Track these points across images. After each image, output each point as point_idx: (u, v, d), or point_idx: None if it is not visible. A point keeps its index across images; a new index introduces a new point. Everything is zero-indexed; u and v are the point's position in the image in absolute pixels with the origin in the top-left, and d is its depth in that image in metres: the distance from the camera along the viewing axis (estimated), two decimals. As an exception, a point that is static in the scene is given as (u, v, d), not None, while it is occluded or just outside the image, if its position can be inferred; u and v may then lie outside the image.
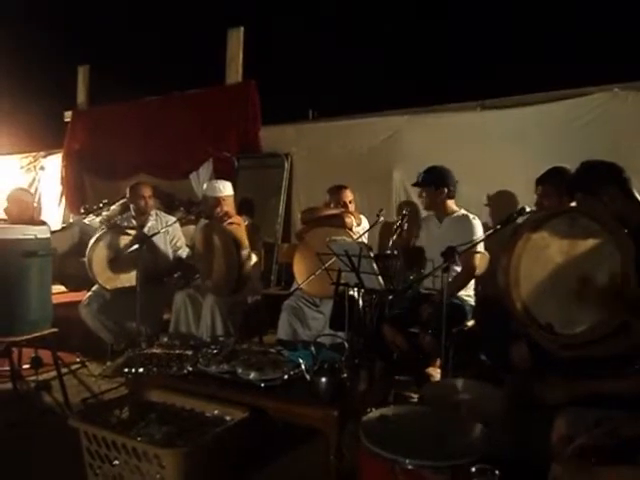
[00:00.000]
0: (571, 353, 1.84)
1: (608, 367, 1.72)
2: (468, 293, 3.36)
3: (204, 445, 2.14)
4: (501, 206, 3.83)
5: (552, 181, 2.86)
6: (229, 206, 3.86)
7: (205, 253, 3.74)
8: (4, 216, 4.09)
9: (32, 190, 6.53)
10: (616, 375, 1.65)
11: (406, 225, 3.44)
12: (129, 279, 3.83)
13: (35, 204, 4.14)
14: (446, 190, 3.38)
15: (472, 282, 3.38)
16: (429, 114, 4.45)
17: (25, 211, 3.97)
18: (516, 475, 1.54)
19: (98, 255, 3.84)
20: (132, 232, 3.98)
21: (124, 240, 3.93)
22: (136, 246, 3.51)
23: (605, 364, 1.74)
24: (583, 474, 1.32)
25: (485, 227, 3.68)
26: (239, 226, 3.70)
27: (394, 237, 3.41)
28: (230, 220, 3.74)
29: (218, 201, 3.80)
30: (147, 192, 4.12)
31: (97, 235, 3.92)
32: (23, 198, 4.06)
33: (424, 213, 3.73)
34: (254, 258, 3.78)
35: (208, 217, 3.88)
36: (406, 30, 8.79)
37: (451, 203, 3.44)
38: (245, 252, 3.56)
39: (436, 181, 3.38)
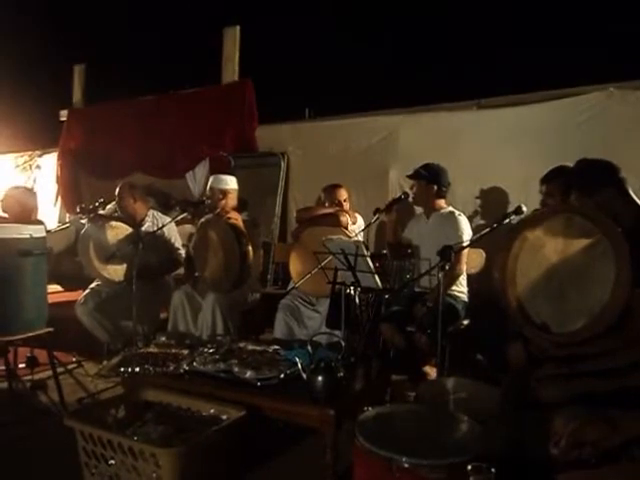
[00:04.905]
0: (566, 352, 1.85)
1: (604, 365, 1.72)
2: (460, 289, 3.38)
3: (200, 444, 2.14)
4: (492, 202, 3.85)
5: (556, 180, 2.86)
6: (233, 200, 3.91)
7: (204, 249, 3.74)
8: (3, 214, 4.10)
9: (28, 189, 6.51)
10: (612, 373, 1.66)
11: (395, 214, 3.48)
12: (117, 272, 3.90)
13: (36, 204, 4.16)
14: (436, 187, 3.40)
15: (464, 278, 3.40)
16: (425, 113, 4.45)
17: (25, 210, 3.98)
18: (512, 473, 1.54)
19: (91, 246, 3.88)
20: (119, 223, 3.99)
21: (112, 228, 3.94)
22: (131, 246, 3.50)
23: (600, 362, 1.74)
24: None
25: (480, 227, 3.71)
26: (237, 221, 3.71)
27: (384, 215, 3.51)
28: (228, 215, 3.75)
29: (225, 193, 3.84)
30: (128, 198, 4.10)
31: (85, 229, 3.95)
32: (23, 198, 4.07)
33: (419, 210, 3.74)
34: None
35: (210, 210, 3.88)
36: (402, 29, 8.80)
37: (440, 201, 3.46)
38: (246, 246, 3.55)
39: (428, 177, 3.40)
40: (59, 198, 6.52)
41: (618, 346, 1.74)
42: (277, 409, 2.36)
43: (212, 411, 2.38)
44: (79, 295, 4.00)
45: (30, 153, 7.14)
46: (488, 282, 2.25)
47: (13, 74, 8.52)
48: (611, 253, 1.78)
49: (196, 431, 2.23)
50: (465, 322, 3.29)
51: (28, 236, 3.03)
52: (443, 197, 3.46)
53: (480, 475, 1.43)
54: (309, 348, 2.47)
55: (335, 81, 8.41)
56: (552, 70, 6.46)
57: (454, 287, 3.32)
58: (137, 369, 2.67)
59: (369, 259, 2.83)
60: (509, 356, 2.32)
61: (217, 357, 2.69)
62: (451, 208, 3.45)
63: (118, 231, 3.95)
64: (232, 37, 5.43)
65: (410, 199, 3.56)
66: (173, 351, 2.89)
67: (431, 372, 3.16)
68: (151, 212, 4.24)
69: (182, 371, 2.62)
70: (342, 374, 2.32)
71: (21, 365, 3.65)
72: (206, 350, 2.82)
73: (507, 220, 2.78)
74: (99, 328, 3.84)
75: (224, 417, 2.32)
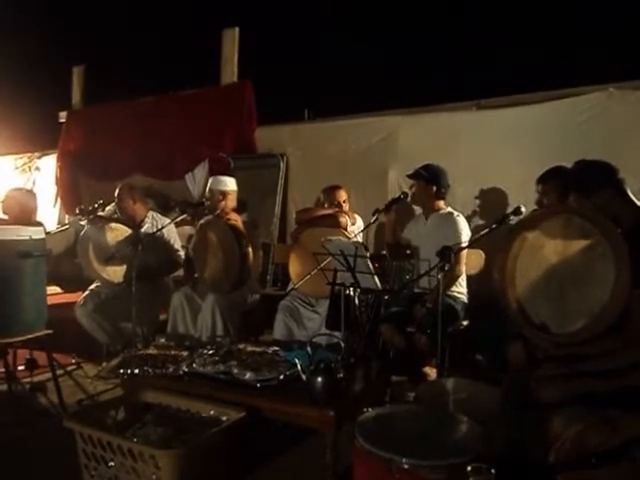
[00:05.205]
0: (566, 352, 1.85)
1: (604, 366, 1.72)
2: (460, 290, 3.38)
3: (200, 445, 2.14)
4: (491, 203, 3.85)
5: (552, 180, 2.87)
6: (233, 201, 3.91)
7: (204, 250, 3.74)
8: (3, 216, 4.10)
9: (27, 191, 6.51)
10: (612, 373, 1.66)
11: (394, 215, 3.49)
12: (116, 273, 3.90)
13: (36, 205, 4.17)
14: (435, 188, 3.40)
15: (463, 279, 3.40)
16: (425, 114, 4.45)
17: (25, 212, 3.98)
18: (512, 474, 1.54)
19: (91, 248, 3.87)
20: (118, 225, 4.00)
21: (111, 230, 3.94)
22: (130, 247, 3.51)
23: (600, 363, 1.74)
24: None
25: (479, 227, 3.70)
26: (236, 222, 3.71)
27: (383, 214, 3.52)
28: (227, 217, 3.75)
29: (224, 194, 3.84)
30: (127, 200, 4.10)
31: (84, 230, 3.95)
32: (23, 200, 4.07)
33: (418, 211, 3.74)
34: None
35: (210, 211, 3.88)
36: (402, 30, 8.79)
37: (439, 202, 3.46)
38: (246, 247, 3.55)
39: (427, 177, 3.41)
40: (58, 200, 6.52)
41: (618, 346, 1.74)
42: (277, 410, 2.36)
43: (212, 412, 2.38)
44: (78, 297, 3.99)
45: (29, 155, 7.15)
46: (488, 283, 2.24)
47: (13, 74, 8.51)
48: (610, 254, 1.78)
49: (196, 432, 2.23)
50: (465, 323, 3.29)
51: (27, 238, 3.03)
52: (442, 198, 3.46)
53: (480, 476, 1.43)
54: (309, 349, 2.46)
55: (335, 81, 8.40)
56: (552, 70, 6.45)
57: (453, 288, 3.32)
58: (136, 371, 2.67)
59: (368, 260, 2.83)
60: (509, 356, 2.32)
61: (216, 358, 2.69)
62: (450, 209, 3.45)
63: (117, 232, 3.95)
64: (231, 38, 5.43)
65: (409, 199, 3.55)
66: (172, 353, 2.89)
67: (431, 373, 3.16)
68: (150, 213, 4.24)
69: (181, 373, 2.62)
70: (342, 375, 2.32)
71: (20, 367, 3.64)
72: (205, 351, 2.82)
73: (506, 221, 2.78)
74: (98, 330, 3.83)
75: (224, 418, 2.32)
